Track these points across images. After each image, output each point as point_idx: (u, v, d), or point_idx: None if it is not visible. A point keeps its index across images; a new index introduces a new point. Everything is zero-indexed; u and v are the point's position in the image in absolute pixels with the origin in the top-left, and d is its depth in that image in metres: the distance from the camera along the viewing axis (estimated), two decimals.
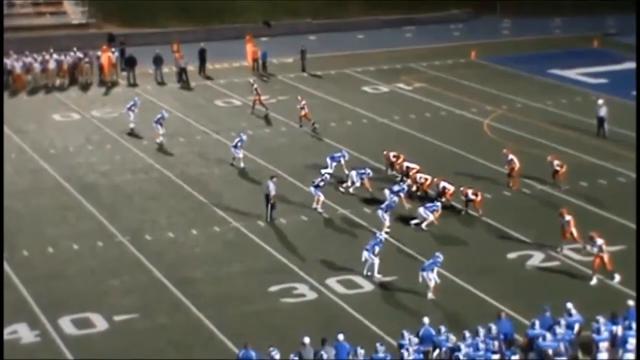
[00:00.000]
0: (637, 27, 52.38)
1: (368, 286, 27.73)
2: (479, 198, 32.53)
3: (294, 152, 39.51)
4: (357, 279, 28.03)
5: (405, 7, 63.71)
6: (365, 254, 28.13)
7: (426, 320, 23.52)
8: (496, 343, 22.81)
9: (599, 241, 27.56)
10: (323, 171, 34.68)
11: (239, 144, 37.36)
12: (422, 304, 26.42)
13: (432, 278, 26.95)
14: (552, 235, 30.41)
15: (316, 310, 26.51)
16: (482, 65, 53.38)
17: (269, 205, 32.28)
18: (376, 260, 27.99)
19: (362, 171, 34.66)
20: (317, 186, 33.08)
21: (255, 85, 44.22)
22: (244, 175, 36.83)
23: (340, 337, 23.00)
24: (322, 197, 32.98)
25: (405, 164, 35.26)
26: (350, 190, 34.48)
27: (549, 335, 22.86)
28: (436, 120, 43.24)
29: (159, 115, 40.59)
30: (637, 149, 37.92)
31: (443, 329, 23.20)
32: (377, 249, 28.12)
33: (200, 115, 44.69)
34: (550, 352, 22.69)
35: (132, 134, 41.20)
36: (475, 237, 31.13)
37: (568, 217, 29.53)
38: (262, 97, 44.76)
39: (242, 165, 37.12)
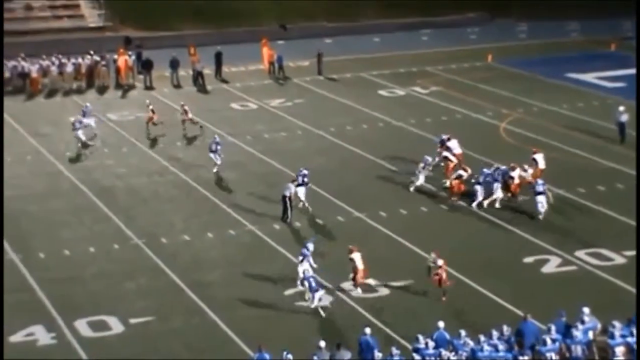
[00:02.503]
0: (637, 27, 52.26)
1: (383, 290, 27.68)
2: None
3: (309, 155, 39.48)
4: (373, 283, 27.94)
5: (422, 10, 63.62)
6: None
7: (441, 324, 23.45)
8: (502, 347, 22.77)
9: (440, 261, 26.75)
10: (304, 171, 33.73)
11: (218, 147, 36.80)
12: (438, 307, 26.34)
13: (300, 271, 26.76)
14: (569, 239, 30.29)
15: (330, 313, 26.45)
16: (498, 69, 53.26)
17: (287, 206, 32.23)
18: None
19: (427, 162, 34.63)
20: (300, 185, 32.97)
21: (151, 106, 42.44)
22: (260, 178, 36.84)
23: (367, 330, 23.03)
24: (302, 197, 32.86)
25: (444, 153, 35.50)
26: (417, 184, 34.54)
27: (549, 340, 22.84)
28: (452, 123, 43.13)
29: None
30: (637, 149, 37.79)
31: (463, 333, 23.14)
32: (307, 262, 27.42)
33: (216, 118, 44.74)
34: (553, 356, 22.67)
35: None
36: (492, 241, 31.03)
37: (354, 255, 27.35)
38: (279, 100, 44.62)
39: (215, 170, 36.57)
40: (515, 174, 33.63)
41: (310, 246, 27.83)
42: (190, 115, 42.10)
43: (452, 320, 24.37)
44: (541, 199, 32.30)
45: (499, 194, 33.20)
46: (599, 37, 58.26)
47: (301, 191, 33.13)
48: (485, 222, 32.50)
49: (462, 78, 51.28)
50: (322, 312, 26.12)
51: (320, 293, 26.44)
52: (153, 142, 41.06)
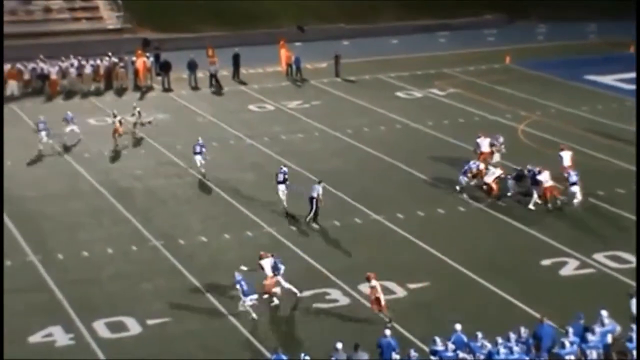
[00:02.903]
0: (637, 27, 52.03)
1: (401, 292, 27.67)
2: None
3: (326, 157, 39.53)
4: (390, 285, 27.95)
5: (440, 12, 63.60)
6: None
7: (458, 326, 23.41)
8: (517, 348, 22.72)
9: (373, 282, 25.86)
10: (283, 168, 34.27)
11: (203, 149, 36.68)
12: (455, 309, 26.29)
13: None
14: (587, 242, 30.19)
15: (349, 315, 26.47)
16: (516, 71, 53.14)
17: (314, 208, 32.30)
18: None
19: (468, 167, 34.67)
20: (281, 182, 33.29)
21: (135, 112, 41.99)
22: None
23: (387, 332, 23.06)
24: (283, 193, 33.24)
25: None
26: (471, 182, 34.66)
27: (567, 343, 22.78)
28: (470, 125, 43.06)
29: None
30: (637, 149, 37.63)
31: (480, 335, 23.11)
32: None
33: (234, 120, 44.84)
34: (572, 358, 22.62)
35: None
36: (509, 243, 30.98)
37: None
38: (296, 102, 44.74)
39: (203, 170, 36.58)
40: (543, 177, 33.34)
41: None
42: (142, 120, 41.75)
43: (469, 322, 24.30)
44: (575, 188, 32.91)
45: (535, 195, 33.25)
46: (618, 39, 58.00)
47: (281, 189, 33.29)
48: (503, 224, 32.44)
49: (479, 80, 51.19)
50: (253, 315, 25.76)
51: (252, 297, 25.92)
52: (171, 144, 41.15)
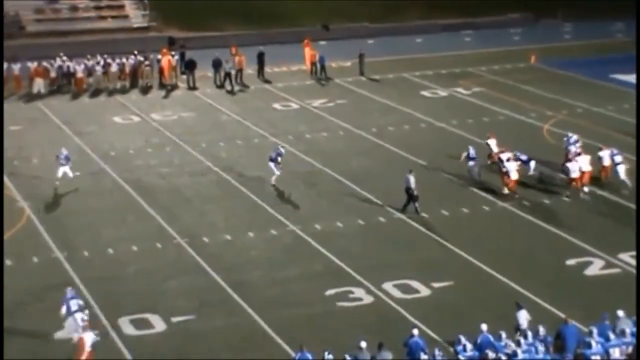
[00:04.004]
0: (637, 28, 51.62)
1: (425, 291, 27.63)
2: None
3: (350, 156, 39.52)
4: (414, 284, 27.94)
5: (465, 11, 63.43)
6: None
7: (484, 326, 23.34)
8: (541, 348, 22.64)
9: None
10: (281, 148, 36.29)
11: (68, 161, 35.62)
12: (479, 308, 26.23)
13: None
14: (613, 241, 30.03)
15: (372, 314, 26.47)
16: (542, 70, 52.91)
17: (412, 198, 32.59)
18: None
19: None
20: (272, 160, 35.21)
21: None
22: (302, 178, 36.92)
23: (415, 332, 23.05)
24: (278, 173, 35.08)
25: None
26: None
27: (594, 343, 22.66)
28: (494, 124, 42.91)
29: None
30: (637, 148, 37.57)
31: (504, 334, 23.05)
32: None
33: (258, 118, 44.91)
34: (598, 358, 22.53)
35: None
36: (534, 243, 30.86)
37: None
38: (321, 101, 44.80)
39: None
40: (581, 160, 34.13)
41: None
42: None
43: (493, 322, 24.19)
44: (621, 168, 34.15)
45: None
46: None
47: (272, 165, 35.32)
48: (528, 223, 32.32)
49: (505, 79, 51.01)
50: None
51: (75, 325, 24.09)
52: (196, 142, 41.29)
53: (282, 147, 37.24)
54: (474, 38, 61.08)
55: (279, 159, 35.52)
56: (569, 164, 34.22)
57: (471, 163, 35.56)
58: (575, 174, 33.91)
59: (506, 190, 34.23)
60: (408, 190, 32.79)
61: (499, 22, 63.68)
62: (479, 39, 60.36)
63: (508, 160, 34.46)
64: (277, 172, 35.45)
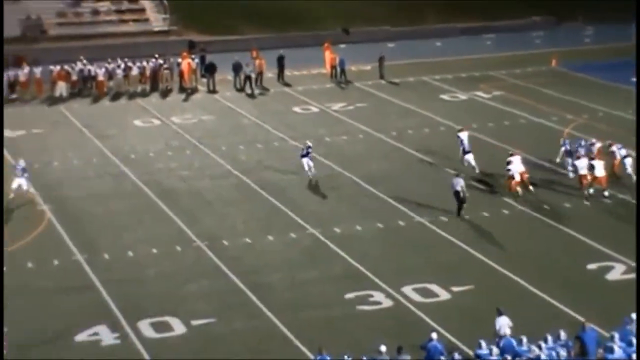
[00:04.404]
0: (637, 28, 51.22)
1: (444, 295, 27.57)
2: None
3: (370, 159, 39.51)
4: (434, 288, 27.89)
5: (485, 14, 63.30)
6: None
7: (507, 331, 23.24)
8: (563, 353, 22.54)
9: None
10: (308, 142, 37.40)
11: (25, 173, 35.09)
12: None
13: None
14: (634, 246, 29.86)
15: (392, 318, 26.44)
16: (563, 73, 52.71)
17: (460, 200, 32.72)
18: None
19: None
20: (305, 156, 36.35)
21: None
22: (321, 181, 36.93)
23: (434, 335, 23.03)
24: (311, 163, 36.30)
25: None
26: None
27: (616, 348, 22.53)
28: (515, 128, 42.81)
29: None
30: (637, 148, 37.39)
31: (525, 339, 22.96)
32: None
33: (278, 121, 44.97)
34: None
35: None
36: (555, 247, 30.73)
37: None
38: (340, 104, 44.89)
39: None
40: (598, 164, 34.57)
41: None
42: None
43: (514, 326, 24.12)
44: (628, 161, 35.33)
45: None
46: None
47: (305, 160, 36.21)
48: (548, 227, 32.20)
49: (525, 82, 50.86)
50: None
51: None
52: (216, 146, 41.38)
53: (309, 142, 37.71)
54: (495, 41, 60.93)
55: (310, 151, 36.56)
56: (577, 162, 34.62)
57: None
58: (583, 171, 34.18)
59: (520, 192, 34.19)
60: (457, 193, 32.79)
61: (520, 26, 63.52)
62: (499, 43, 60.21)
63: (510, 163, 34.64)
64: (311, 164, 36.43)
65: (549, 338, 22.94)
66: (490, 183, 35.86)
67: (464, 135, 38.04)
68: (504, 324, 23.93)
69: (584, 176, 34.31)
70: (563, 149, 36.97)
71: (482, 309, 26.70)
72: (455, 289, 27.83)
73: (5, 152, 39.44)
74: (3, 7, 54.94)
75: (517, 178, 34.50)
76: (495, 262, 29.48)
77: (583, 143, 36.93)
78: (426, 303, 27.11)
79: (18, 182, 34.81)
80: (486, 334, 23.69)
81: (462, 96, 49.07)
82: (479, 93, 49.30)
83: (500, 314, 24.18)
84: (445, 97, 49.11)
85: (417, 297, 27.38)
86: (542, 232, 31.97)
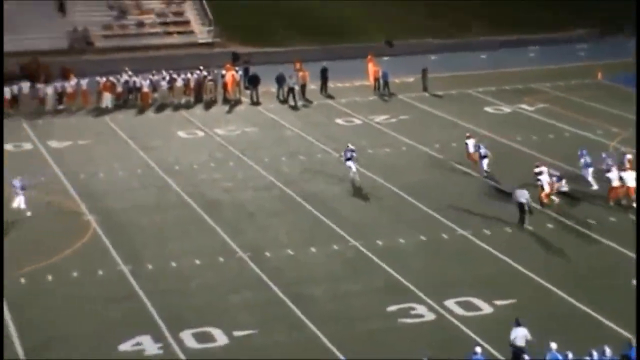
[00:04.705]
0: (637, 29, 50.49)
1: (487, 309, 27.42)
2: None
3: (413, 171, 39.44)
4: (476, 301, 27.75)
5: (530, 27, 63.00)
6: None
7: (554, 345, 23.03)
8: None
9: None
10: (350, 145, 38.39)
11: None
12: (542, 327, 25.94)
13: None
14: None
15: (434, 331, 26.35)
16: (608, 86, 52.27)
17: (524, 211, 32.78)
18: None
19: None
20: (349, 159, 37.47)
21: None
22: (363, 193, 36.95)
23: (478, 349, 22.96)
24: (354, 168, 37.47)
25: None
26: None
27: None
28: (559, 141, 42.53)
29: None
30: (637, 149, 37.25)
31: (570, 355, 22.76)
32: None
33: (321, 133, 45.05)
34: None
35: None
36: (600, 262, 30.44)
37: None
38: (383, 116, 44.96)
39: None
40: (613, 175, 34.60)
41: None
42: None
43: (558, 342, 23.90)
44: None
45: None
46: None
47: (350, 163, 37.47)
48: (593, 242, 31.91)
49: (570, 95, 50.50)
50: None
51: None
52: (259, 157, 41.55)
53: (350, 144, 38.71)
54: (539, 54, 60.60)
55: (354, 154, 37.78)
56: (609, 174, 34.72)
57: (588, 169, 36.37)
58: (615, 183, 34.39)
59: (545, 200, 34.24)
60: (521, 205, 32.80)
61: (564, 38, 63.11)
62: (543, 55, 59.87)
63: (541, 173, 34.83)
64: (354, 169, 37.57)
65: (594, 354, 22.71)
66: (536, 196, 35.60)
67: (470, 142, 39.21)
68: (520, 335, 23.84)
69: (615, 188, 34.46)
70: (582, 160, 36.88)
71: (525, 323, 26.46)
72: (498, 302, 27.67)
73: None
74: (3, 8, 55.50)
75: (547, 189, 34.57)
76: (538, 276, 29.27)
77: (604, 155, 37.15)
78: (469, 316, 26.98)
79: (18, 201, 34.81)
80: (529, 348, 23.49)
81: (506, 109, 48.83)
82: (523, 106, 49.04)
83: (518, 324, 24.04)
84: (489, 109, 48.91)
85: (459, 311, 27.27)
86: (586, 246, 31.69)
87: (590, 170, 36.34)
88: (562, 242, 32.07)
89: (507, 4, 65.41)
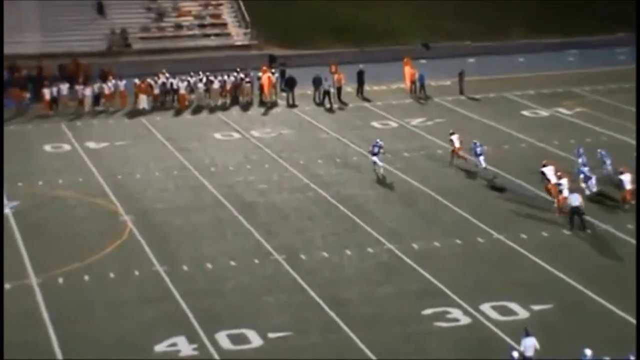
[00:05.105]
0: (637, 30, 49.73)
1: (523, 313, 27.23)
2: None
3: (449, 175, 39.28)
4: (512, 305, 27.56)
5: (569, 30, 62.55)
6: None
7: (588, 352, 22.81)
8: None
9: None
10: (379, 141, 39.57)
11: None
12: (579, 333, 25.75)
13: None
14: None
15: (470, 335, 26.21)
16: None
17: (582, 215, 32.77)
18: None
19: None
20: (375, 154, 38.57)
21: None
22: (398, 196, 36.86)
23: (515, 354, 22.85)
24: (380, 163, 38.64)
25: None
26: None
27: None
28: (597, 145, 42.04)
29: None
30: (637, 149, 37.08)
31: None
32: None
33: (357, 136, 45.00)
34: None
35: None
36: (637, 266, 30.14)
37: None
38: (419, 119, 44.93)
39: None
40: (626, 178, 34.71)
41: None
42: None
43: (595, 348, 23.70)
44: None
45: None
46: None
47: (375, 158, 38.69)
48: (631, 247, 31.56)
49: (609, 99, 50.06)
50: None
51: None
52: (294, 160, 41.60)
53: (379, 140, 39.84)
54: (578, 57, 60.15)
55: (381, 150, 38.94)
56: (621, 176, 34.94)
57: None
58: (628, 186, 34.63)
59: (557, 212, 34.02)
60: (577, 209, 32.72)
61: (604, 42, 62.57)
62: (582, 59, 59.43)
63: (561, 178, 34.77)
64: (381, 164, 38.73)
65: (632, 358, 22.46)
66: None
67: (455, 138, 40.18)
68: (529, 345, 23.62)
69: (629, 191, 34.62)
70: (580, 160, 37.21)
71: (561, 328, 26.33)
72: (534, 307, 27.48)
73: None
74: (3, 9, 55.87)
75: (553, 179, 35.06)
76: (575, 281, 29.03)
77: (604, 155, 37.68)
78: (505, 321, 26.80)
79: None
80: (565, 354, 23.34)
81: (544, 112, 48.51)
82: (561, 109, 48.68)
83: (527, 334, 23.82)
84: (526, 113, 48.60)
85: (495, 315, 27.10)
86: (624, 252, 31.36)
87: (586, 169, 36.64)
88: (599, 246, 31.78)
89: (547, 8, 65.00)
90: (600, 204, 35.10)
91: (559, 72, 56.23)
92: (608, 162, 37.54)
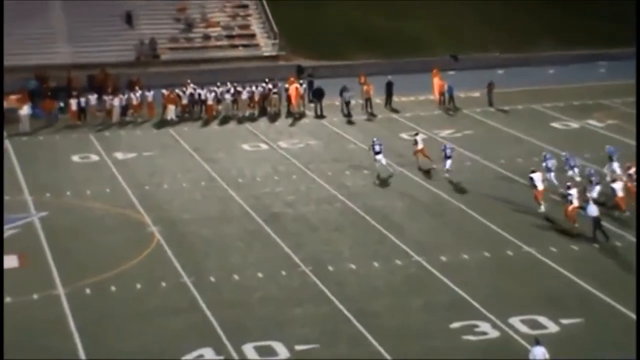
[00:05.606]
0: (637, 30, 49.14)
1: (553, 327, 26.91)
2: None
3: (477, 186, 39.00)
4: (542, 319, 27.26)
5: (600, 42, 62.11)
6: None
7: None
8: None
9: None
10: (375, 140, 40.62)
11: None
12: (610, 347, 25.40)
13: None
14: None
15: (498, 349, 25.92)
16: None
17: (599, 227, 32.61)
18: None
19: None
20: (378, 153, 39.87)
21: None
22: (427, 208, 36.63)
23: None
24: (383, 161, 39.96)
25: None
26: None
27: None
28: (628, 158, 41.57)
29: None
30: (637, 150, 36.89)
31: None
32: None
33: (385, 147, 44.71)
34: None
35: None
36: None
37: None
38: (448, 131, 44.78)
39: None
40: (617, 186, 35.03)
41: None
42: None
43: None
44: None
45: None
46: None
47: (379, 157, 39.93)
48: None
49: None
50: None
51: None
52: (322, 171, 41.48)
53: (377, 139, 41.01)
54: (608, 69, 59.69)
55: (382, 149, 40.23)
56: (613, 185, 35.14)
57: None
58: (620, 193, 34.77)
59: (575, 226, 33.74)
60: (597, 220, 32.58)
61: (635, 53, 61.96)
62: (614, 70, 58.94)
63: (570, 188, 34.58)
64: (384, 162, 40.05)
65: None
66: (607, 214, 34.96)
67: (419, 138, 41.63)
68: (538, 354, 23.35)
69: (622, 198, 34.68)
70: (544, 165, 37.98)
71: (591, 343, 25.98)
72: (564, 321, 27.15)
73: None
74: (3, 10, 56.06)
75: (540, 187, 35.58)
76: (605, 294, 28.67)
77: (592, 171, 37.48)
78: (534, 335, 26.45)
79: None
80: None
81: (574, 124, 48.12)
82: (592, 122, 48.29)
83: (537, 343, 23.61)
84: (556, 125, 48.24)
85: (524, 329, 26.80)
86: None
87: (553, 174, 37.46)
88: (629, 259, 31.38)
89: (577, 20, 64.59)
90: (632, 216, 34.65)
91: (590, 84, 55.82)
92: (573, 163, 38.25)
